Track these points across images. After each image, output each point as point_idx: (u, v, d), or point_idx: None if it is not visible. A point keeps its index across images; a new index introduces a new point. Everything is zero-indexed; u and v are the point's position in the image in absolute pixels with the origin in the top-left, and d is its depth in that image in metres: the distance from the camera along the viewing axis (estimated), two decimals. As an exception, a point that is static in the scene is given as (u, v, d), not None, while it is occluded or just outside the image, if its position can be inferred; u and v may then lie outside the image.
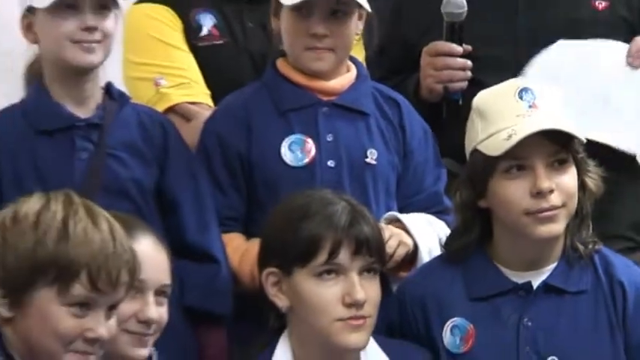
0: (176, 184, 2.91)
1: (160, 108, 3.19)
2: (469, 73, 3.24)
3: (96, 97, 2.87)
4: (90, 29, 2.68)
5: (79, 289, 2.07)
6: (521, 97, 2.65)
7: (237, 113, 3.09)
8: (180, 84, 3.27)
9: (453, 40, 3.23)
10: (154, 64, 3.31)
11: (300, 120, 3.03)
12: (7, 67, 4.52)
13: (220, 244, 2.88)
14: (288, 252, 2.59)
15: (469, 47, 3.25)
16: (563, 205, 2.57)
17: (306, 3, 2.89)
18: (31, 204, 2.28)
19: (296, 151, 3.00)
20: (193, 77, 3.29)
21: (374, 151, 3.00)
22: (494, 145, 2.58)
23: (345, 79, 3.03)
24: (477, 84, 3.05)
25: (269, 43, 3.24)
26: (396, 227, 2.90)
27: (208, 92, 3.30)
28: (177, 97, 3.24)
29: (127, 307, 2.33)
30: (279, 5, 2.98)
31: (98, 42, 2.72)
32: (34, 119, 2.91)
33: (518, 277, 2.66)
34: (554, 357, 2.63)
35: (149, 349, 2.41)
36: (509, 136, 2.54)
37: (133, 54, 3.37)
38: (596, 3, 3.44)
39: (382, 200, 3.03)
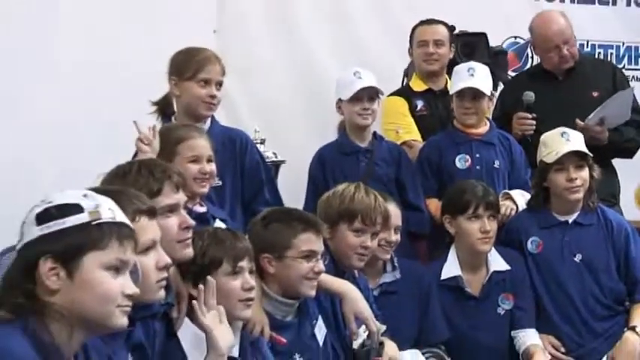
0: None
1: (398, 142, 4.73)
2: (534, 127, 4.77)
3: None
4: None
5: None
6: (562, 135, 4.22)
7: (439, 143, 4.63)
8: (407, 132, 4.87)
9: (528, 112, 4.84)
10: (396, 122, 4.92)
11: (465, 147, 4.57)
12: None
13: None
14: (454, 204, 4.10)
15: (534, 115, 4.80)
16: (582, 185, 4.17)
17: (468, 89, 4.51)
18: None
19: (462, 160, 4.56)
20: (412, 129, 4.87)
21: (497, 161, 4.61)
22: (550, 158, 4.17)
23: (484, 128, 4.65)
24: (537, 131, 4.63)
25: (449, 111, 4.71)
26: (506, 198, 4.44)
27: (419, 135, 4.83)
28: (405, 137, 4.84)
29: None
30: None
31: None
32: (339, 147, 4.50)
33: (561, 217, 4.28)
34: (580, 255, 4.22)
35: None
36: (557, 153, 4.14)
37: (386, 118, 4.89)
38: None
39: (501, 185, 4.56)
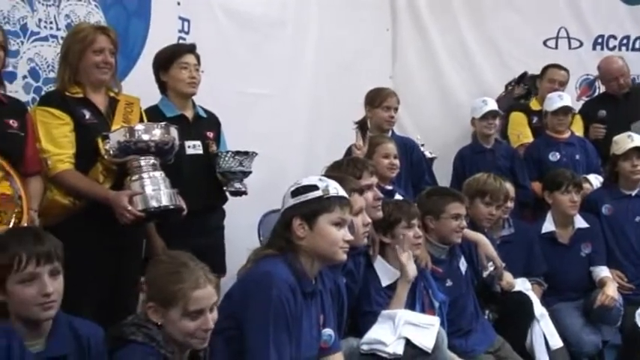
0: None
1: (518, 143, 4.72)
2: (604, 133, 4.63)
3: None
4: None
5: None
6: (627, 137, 4.08)
7: (539, 145, 4.51)
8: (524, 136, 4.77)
9: (601, 123, 4.72)
10: (518, 130, 4.77)
11: (555, 147, 4.42)
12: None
13: None
14: (552, 183, 3.92)
15: (605, 126, 4.68)
16: None
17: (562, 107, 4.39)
18: None
19: (553, 156, 4.41)
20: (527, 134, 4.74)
21: (577, 155, 4.45)
22: (619, 151, 4.04)
23: (568, 134, 4.50)
24: (605, 136, 4.57)
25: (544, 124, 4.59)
26: (585, 180, 4.18)
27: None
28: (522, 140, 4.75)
29: None
30: None
31: None
32: (473, 148, 4.46)
33: (627, 192, 4.08)
34: (639, 217, 4.04)
35: None
36: (624, 148, 4.02)
37: None
38: None
39: (581, 171, 4.34)
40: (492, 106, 4.44)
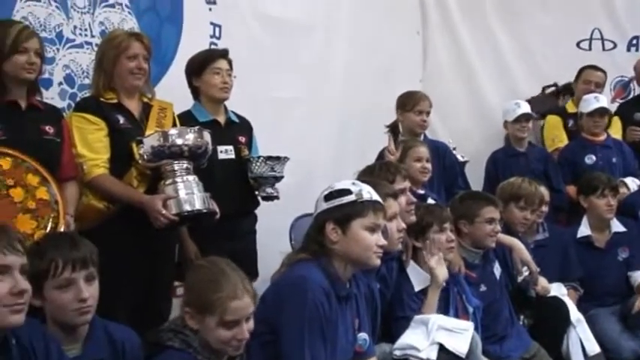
0: None
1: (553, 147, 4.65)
2: None
3: None
4: None
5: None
6: None
7: (574, 148, 4.45)
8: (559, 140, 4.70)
9: (637, 125, 4.65)
10: (553, 133, 4.68)
11: (591, 149, 4.36)
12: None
13: None
14: (588, 187, 3.91)
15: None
16: None
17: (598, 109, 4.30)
18: None
19: (589, 159, 4.34)
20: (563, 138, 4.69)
21: (614, 158, 4.38)
22: None
23: (604, 136, 4.43)
24: None
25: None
26: (622, 183, 4.15)
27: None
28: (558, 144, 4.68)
29: None
30: None
31: None
32: (506, 151, 4.41)
33: None
34: None
35: None
36: None
37: None
38: None
39: (617, 174, 4.27)
40: (525, 108, 4.42)
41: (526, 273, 3.34)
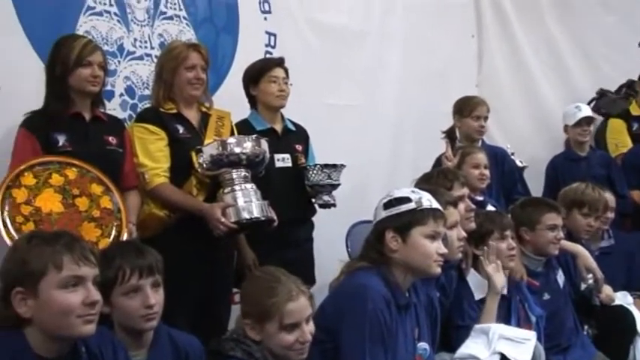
0: None
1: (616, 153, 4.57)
2: None
3: None
4: None
5: None
6: None
7: (639, 152, 4.38)
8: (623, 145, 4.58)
9: None
10: (616, 138, 4.59)
11: None
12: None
13: None
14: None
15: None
16: None
17: None
18: None
19: None
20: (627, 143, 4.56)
21: None
22: None
23: None
24: None
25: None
26: None
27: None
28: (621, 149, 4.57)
29: None
30: None
31: None
32: (567, 156, 4.36)
33: None
34: None
35: None
36: None
37: None
38: None
39: None
40: (586, 112, 4.34)
41: (591, 281, 3.28)
